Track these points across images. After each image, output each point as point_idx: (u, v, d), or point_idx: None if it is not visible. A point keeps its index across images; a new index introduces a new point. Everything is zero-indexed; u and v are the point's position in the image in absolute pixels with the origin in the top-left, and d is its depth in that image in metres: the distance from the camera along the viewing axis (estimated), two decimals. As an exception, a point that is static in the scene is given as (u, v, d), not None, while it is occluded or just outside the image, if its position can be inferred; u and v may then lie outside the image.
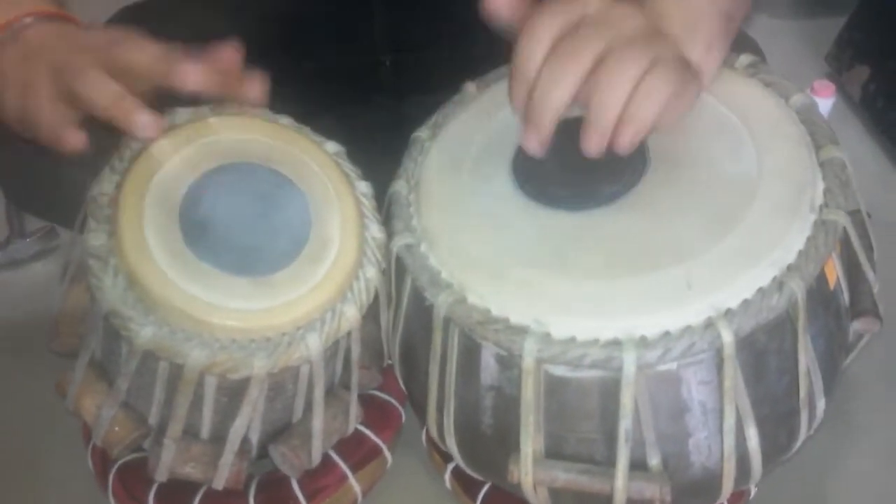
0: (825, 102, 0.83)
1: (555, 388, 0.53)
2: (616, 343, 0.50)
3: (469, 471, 0.64)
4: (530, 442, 0.53)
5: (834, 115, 0.88)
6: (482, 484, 0.67)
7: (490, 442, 0.57)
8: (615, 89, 0.53)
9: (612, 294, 0.52)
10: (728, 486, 0.55)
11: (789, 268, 0.52)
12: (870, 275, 0.58)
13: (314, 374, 0.60)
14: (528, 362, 0.51)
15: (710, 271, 0.52)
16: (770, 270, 0.51)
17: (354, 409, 0.67)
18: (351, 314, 0.58)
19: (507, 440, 0.55)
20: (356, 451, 0.69)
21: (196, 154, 0.60)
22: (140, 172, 0.58)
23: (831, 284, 0.56)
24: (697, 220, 0.54)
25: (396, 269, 0.60)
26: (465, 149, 0.63)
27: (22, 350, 0.85)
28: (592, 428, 0.53)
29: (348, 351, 0.63)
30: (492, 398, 0.56)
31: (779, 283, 0.51)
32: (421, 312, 0.58)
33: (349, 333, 0.60)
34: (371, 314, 0.62)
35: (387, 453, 0.71)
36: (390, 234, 0.61)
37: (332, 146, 0.64)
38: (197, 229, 0.57)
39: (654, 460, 0.53)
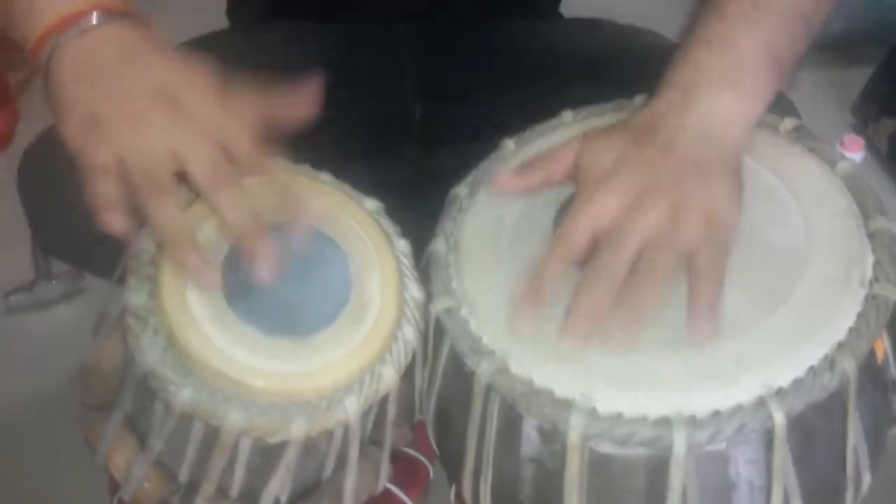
0: (854, 157, 0.82)
1: (599, 465, 0.52)
2: (665, 421, 0.49)
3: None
4: (573, 518, 0.52)
5: (861, 167, 0.87)
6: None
7: (530, 513, 0.56)
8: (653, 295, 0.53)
9: (660, 369, 0.51)
10: (773, 563, 0.54)
11: (840, 345, 0.51)
12: (918, 348, 0.57)
13: (349, 435, 0.59)
14: (573, 438, 0.50)
15: (760, 348, 0.51)
16: (821, 348, 0.50)
17: (385, 468, 0.66)
18: (389, 376, 0.57)
19: (548, 513, 0.54)
20: (385, 509, 0.68)
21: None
22: None
23: (879, 359, 0.55)
24: (745, 293, 0.53)
25: (435, 332, 0.60)
26: (505, 209, 0.62)
27: (47, 392, 0.85)
28: (637, 504, 0.52)
29: (382, 410, 0.62)
30: (532, 470, 0.55)
31: (830, 362, 0.50)
32: (460, 377, 0.57)
33: (387, 395, 0.59)
34: (405, 371, 0.61)
35: (414, 511, 0.70)
36: (429, 296, 0.60)
37: (371, 203, 0.64)
38: (238, 290, 0.56)
39: (699, 538, 0.52)
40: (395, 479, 0.68)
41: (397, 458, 0.69)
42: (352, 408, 0.56)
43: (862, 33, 1.29)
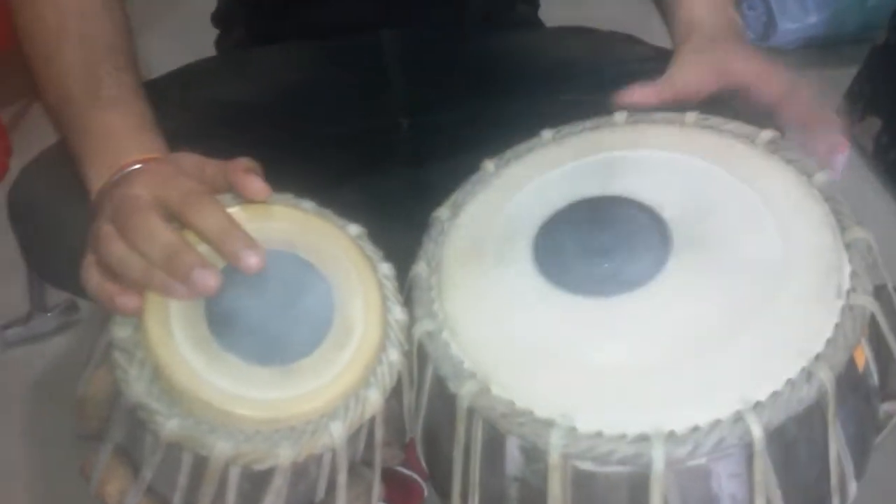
0: (839, 157, 0.82)
1: (582, 482, 0.52)
2: (644, 439, 0.49)
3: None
4: (559, 535, 0.53)
5: (846, 167, 0.87)
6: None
7: (517, 532, 0.57)
8: None
9: (638, 386, 0.51)
10: (760, 577, 0.54)
11: (818, 357, 0.51)
12: (899, 355, 0.57)
13: (337, 459, 0.59)
14: (554, 457, 0.51)
15: (737, 362, 0.51)
16: (798, 361, 0.51)
17: (377, 489, 0.66)
18: (374, 399, 0.58)
19: (534, 532, 0.55)
20: (379, 529, 0.68)
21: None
22: None
23: (860, 368, 0.55)
24: (721, 306, 0.53)
25: (418, 355, 0.60)
26: (485, 231, 0.62)
27: (44, 424, 0.86)
28: (621, 521, 0.53)
29: (371, 431, 0.62)
30: (517, 489, 0.55)
31: (807, 374, 0.50)
32: (443, 399, 0.58)
33: (373, 417, 0.60)
34: (393, 391, 0.62)
35: (410, 530, 0.70)
36: (412, 318, 0.60)
37: (354, 229, 0.64)
38: (222, 319, 0.57)
39: (684, 552, 0.52)
40: (388, 499, 0.68)
41: (391, 477, 0.69)
42: (337, 432, 0.56)
43: (846, 33, 1.30)
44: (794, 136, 0.64)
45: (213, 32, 0.96)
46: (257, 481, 0.57)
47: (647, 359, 0.52)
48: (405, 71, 0.84)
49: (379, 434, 0.62)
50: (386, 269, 0.64)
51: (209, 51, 0.94)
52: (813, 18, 1.30)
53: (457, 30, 0.86)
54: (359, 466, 0.65)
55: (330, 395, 0.56)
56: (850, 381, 0.54)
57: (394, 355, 0.59)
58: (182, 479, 0.58)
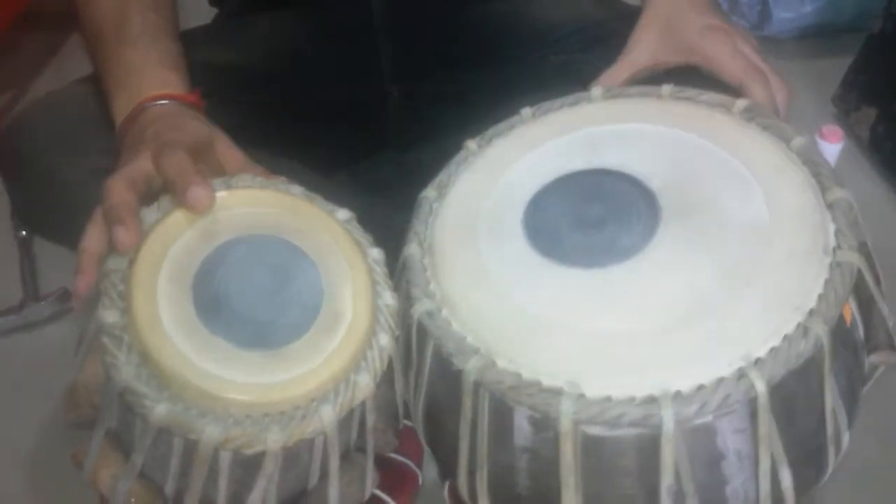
0: (834, 147, 0.84)
1: (591, 448, 0.53)
2: (652, 400, 0.51)
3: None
4: (572, 502, 0.53)
5: (842, 157, 0.89)
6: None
7: (528, 502, 0.57)
8: None
9: (642, 350, 0.52)
10: (763, 528, 0.56)
11: (811, 312, 0.53)
12: (883, 309, 0.59)
13: (329, 444, 0.59)
14: (565, 424, 0.52)
15: (736, 321, 0.52)
16: (794, 316, 0.52)
17: (371, 475, 0.66)
18: (364, 383, 0.58)
19: (545, 500, 0.56)
20: (373, 517, 0.68)
21: (208, 228, 0.60)
22: (153, 248, 0.58)
23: (848, 321, 0.57)
24: (716, 270, 0.55)
25: (418, 335, 0.60)
26: (475, 209, 0.63)
27: (37, 413, 0.85)
28: (631, 483, 0.54)
29: (363, 417, 0.63)
30: (527, 460, 0.56)
31: (804, 329, 0.52)
32: (447, 377, 0.58)
33: (364, 402, 0.60)
34: (385, 377, 0.62)
35: (404, 517, 0.71)
36: (408, 300, 0.61)
37: (343, 213, 0.64)
38: (210, 304, 0.57)
39: (693, 510, 0.54)
40: (383, 486, 0.68)
41: (385, 464, 0.69)
42: (327, 416, 0.56)
43: (841, 22, 1.31)
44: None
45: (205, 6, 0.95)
46: (249, 467, 0.58)
47: (647, 324, 0.54)
48: (395, 38, 0.84)
49: (371, 419, 0.62)
50: (375, 253, 0.64)
51: (205, 18, 0.94)
52: (808, 7, 1.30)
53: None
54: (352, 453, 0.65)
55: (319, 380, 0.57)
56: (840, 335, 0.56)
57: (384, 340, 0.60)
58: (174, 465, 0.58)
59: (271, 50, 0.69)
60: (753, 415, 0.52)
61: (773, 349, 0.51)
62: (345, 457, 0.64)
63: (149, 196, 0.60)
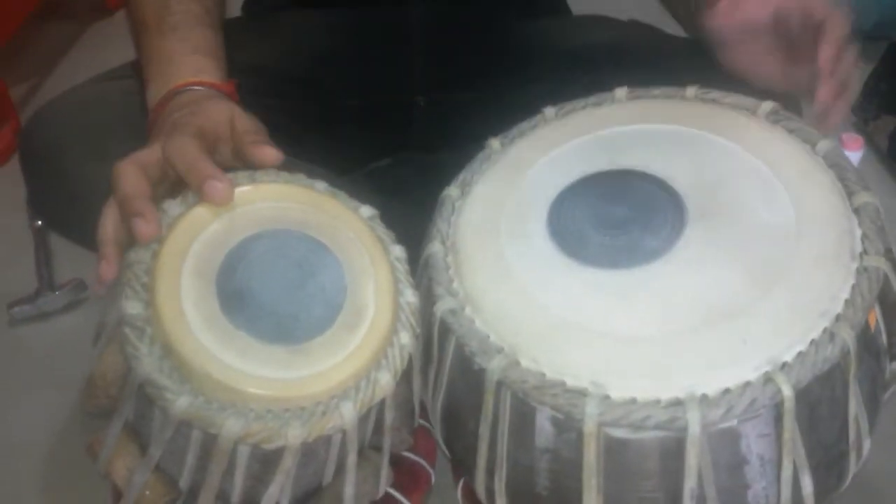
0: (854, 156, 0.84)
1: (614, 450, 0.53)
2: (678, 403, 0.50)
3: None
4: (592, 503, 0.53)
5: (861, 165, 0.89)
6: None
7: (547, 503, 0.57)
8: None
9: (667, 353, 0.52)
10: (783, 533, 0.56)
11: (838, 317, 0.52)
12: (908, 315, 0.59)
13: (347, 440, 0.59)
14: (589, 426, 0.51)
15: (763, 325, 0.52)
16: (821, 321, 0.52)
17: (386, 473, 0.66)
18: (385, 381, 0.58)
19: (565, 502, 0.55)
20: (386, 514, 0.68)
21: (233, 222, 0.59)
22: (177, 241, 0.58)
23: (872, 327, 0.57)
24: (742, 273, 0.55)
25: (440, 333, 0.60)
26: (498, 208, 0.63)
27: (51, 403, 0.85)
28: (653, 486, 0.53)
29: (380, 415, 0.62)
30: (548, 461, 0.56)
31: (830, 334, 0.52)
32: (468, 376, 0.58)
33: (383, 399, 0.60)
34: (404, 376, 0.62)
35: (416, 516, 0.70)
36: (430, 298, 0.61)
37: (366, 210, 0.64)
38: (233, 298, 0.57)
39: (714, 514, 0.54)
40: (396, 484, 0.68)
41: (398, 463, 0.69)
42: (348, 413, 0.56)
43: (861, 31, 1.30)
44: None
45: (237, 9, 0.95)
46: (266, 461, 0.57)
47: (672, 326, 0.53)
48: (429, 48, 0.84)
49: (388, 418, 0.62)
50: (398, 251, 0.64)
51: (235, 12, 0.93)
52: None
53: (484, 11, 0.87)
54: (367, 451, 0.65)
55: (341, 376, 0.56)
56: (865, 340, 0.56)
57: (405, 338, 0.59)
58: (191, 458, 0.58)
59: (300, 50, 0.69)
60: (778, 419, 0.52)
61: (799, 354, 0.51)
62: (360, 454, 0.64)
63: (167, 182, 0.60)
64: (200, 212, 0.59)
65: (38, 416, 0.85)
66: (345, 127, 0.73)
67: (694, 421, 0.50)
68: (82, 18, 1.49)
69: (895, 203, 1.03)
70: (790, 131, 0.62)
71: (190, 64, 0.66)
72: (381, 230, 0.64)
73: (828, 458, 0.56)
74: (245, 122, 0.61)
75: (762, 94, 0.64)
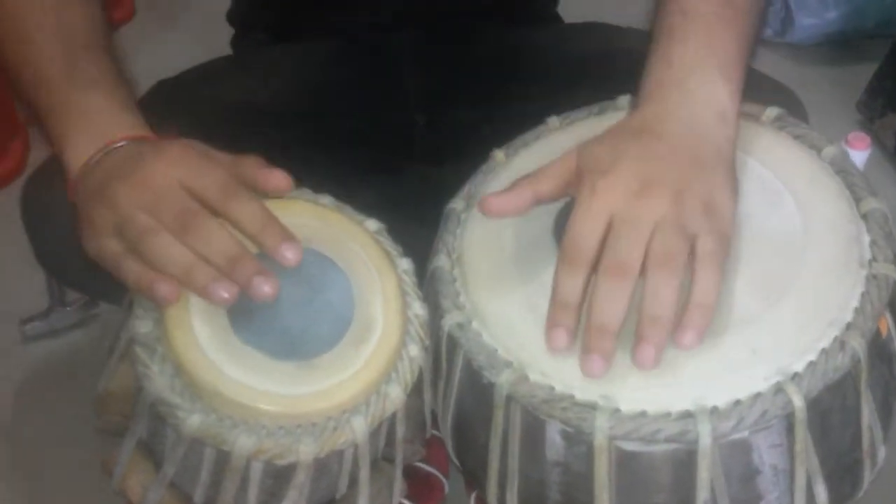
0: (860, 155, 0.83)
1: (626, 463, 0.53)
2: (689, 415, 0.50)
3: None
4: (605, 517, 0.53)
5: (867, 164, 0.88)
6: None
7: (559, 517, 0.57)
8: (667, 297, 0.52)
9: (677, 364, 0.52)
10: (798, 543, 0.55)
11: (848, 326, 0.52)
12: (918, 320, 0.59)
13: (359, 454, 0.59)
14: (599, 440, 0.51)
15: (772, 335, 0.52)
16: (830, 330, 0.52)
17: (399, 484, 0.66)
18: (395, 395, 0.58)
19: (577, 515, 0.55)
20: (401, 525, 0.68)
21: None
22: None
23: (883, 334, 0.56)
24: (752, 282, 0.55)
25: (447, 347, 0.60)
26: (503, 221, 0.62)
27: (64, 419, 0.86)
28: (665, 498, 0.53)
29: (392, 427, 0.62)
30: (559, 474, 0.55)
31: (840, 343, 0.51)
32: (477, 389, 0.58)
33: (394, 413, 0.60)
34: (414, 387, 0.62)
35: (431, 526, 0.71)
36: (438, 312, 0.61)
37: (372, 224, 0.64)
38: (243, 314, 0.57)
39: (727, 525, 0.53)
40: (410, 495, 0.68)
41: (411, 473, 0.69)
42: (359, 428, 0.56)
43: (866, 29, 1.30)
44: None
45: (229, 31, 0.95)
46: (279, 477, 0.58)
47: None
48: (421, 68, 0.84)
49: (400, 430, 0.62)
50: (405, 263, 0.64)
51: (225, 49, 0.94)
52: (832, 14, 1.28)
53: (472, 26, 0.86)
54: (380, 462, 0.65)
55: (351, 391, 0.56)
56: (876, 348, 0.55)
57: (414, 350, 0.59)
58: (204, 475, 0.59)
59: (292, 84, 0.68)
60: (790, 430, 0.51)
61: (810, 363, 0.51)
62: (373, 466, 0.64)
63: None
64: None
65: (52, 432, 0.86)
66: (345, 151, 0.72)
67: (705, 433, 0.49)
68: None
69: (902, 203, 1.04)
70: (796, 137, 0.62)
71: (123, 118, 0.61)
72: (388, 243, 0.64)
73: (841, 467, 0.55)
74: (224, 158, 0.59)
75: (767, 99, 0.64)
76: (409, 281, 0.63)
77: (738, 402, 0.50)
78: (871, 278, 0.54)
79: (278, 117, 0.75)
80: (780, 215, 0.57)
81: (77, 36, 0.64)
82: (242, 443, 0.54)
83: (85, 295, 0.92)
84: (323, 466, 0.59)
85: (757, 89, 0.64)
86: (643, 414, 0.51)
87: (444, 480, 0.72)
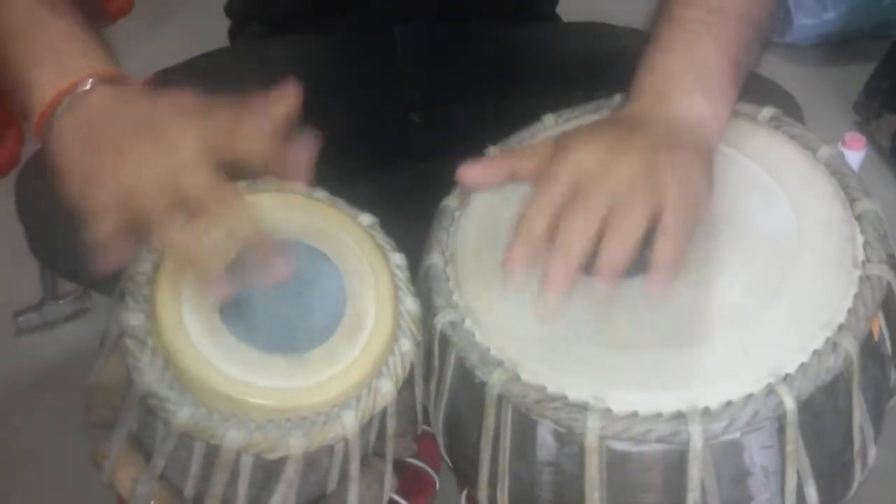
0: (856, 155, 0.83)
1: (617, 463, 0.53)
2: (680, 416, 0.50)
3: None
4: (595, 517, 0.53)
5: (864, 164, 0.88)
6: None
7: (549, 516, 0.57)
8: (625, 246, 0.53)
9: (669, 365, 0.52)
10: (788, 543, 0.55)
11: (841, 327, 0.52)
12: (911, 322, 0.59)
13: (349, 449, 0.59)
14: (591, 440, 0.51)
15: (764, 336, 0.52)
16: (823, 331, 0.52)
17: (389, 479, 0.66)
18: (386, 390, 0.58)
19: (568, 514, 0.55)
20: (392, 521, 0.68)
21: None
22: None
23: (876, 336, 0.56)
24: (744, 281, 0.54)
25: (440, 345, 0.60)
26: (497, 218, 0.62)
27: (56, 411, 0.86)
28: (656, 499, 0.53)
29: (383, 422, 0.62)
30: (550, 474, 0.55)
31: (833, 344, 0.51)
32: (469, 388, 0.58)
33: (385, 408, 0.60)
34: (406, 383, 0.62)
35: (421, 522, 0.71)
36: (431, 310, 0.60)
37: (366, 218, 0.64)
38: (234, 308, 0.57)
39: (717, 526, 0.53)
40: (401, 490, 0.68)
41: (402, 469, 0.69)
42: (349, 422, 0.56)
43: (863, 30, 1.31)
44: None
45: (226, 24, 0.95)
46: (269, 471, 0.58)
47: (674, 337, 0.53)
48: (418, 66, 0.84)
49: (391, 425, 0.62)
50: (398, 258, 0.63)
51: (222, 42, 0.94)
52: (830, 14, 1.28)
53: (470, 23, 0.86)
54: (371, 458, 0.65)
55: (342, 386, 0.56)
56: (868, 349, 0.55)
57: (406, 346, 0.59)
58: (194, 468, 0.59)
59: (290, 75, 0.68)
60: (781, 431, 0.51)
61: (802, 365, 0.51)
62: (363, 461, 0.64)
63: None
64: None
65: (44, 425, 0.86)
66: (340, 146, 0.72)
67: (696, 434, 0.49)
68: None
69: (897, 202, 1.04)
70: (791, 137, 0.62)
71: (99, 51, 0.59)
72: (381, 238, 0.64)
73: (832, 468, 0.55)
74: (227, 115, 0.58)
75: (763, 99, 0.63)
76: (402, 276, 0.63)
77: (729, 403, 0.50)
78: (865, 279, 0.54)
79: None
80: (775, 215, 0.57)
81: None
82: (232, 436, 0.54)
83: (77, 284, 0.92)
84: (313, 461, 0.59)
85: (753, 90, 0.64)
86: (634, 414, 0.51)
87: (435, 476, 0.72)
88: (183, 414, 0.54)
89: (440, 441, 0.65)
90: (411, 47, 0.84)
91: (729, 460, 0.52)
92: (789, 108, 0.69)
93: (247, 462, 0.57)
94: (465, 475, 0.63)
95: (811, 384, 0.50)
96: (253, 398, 0.55)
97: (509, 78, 0.81)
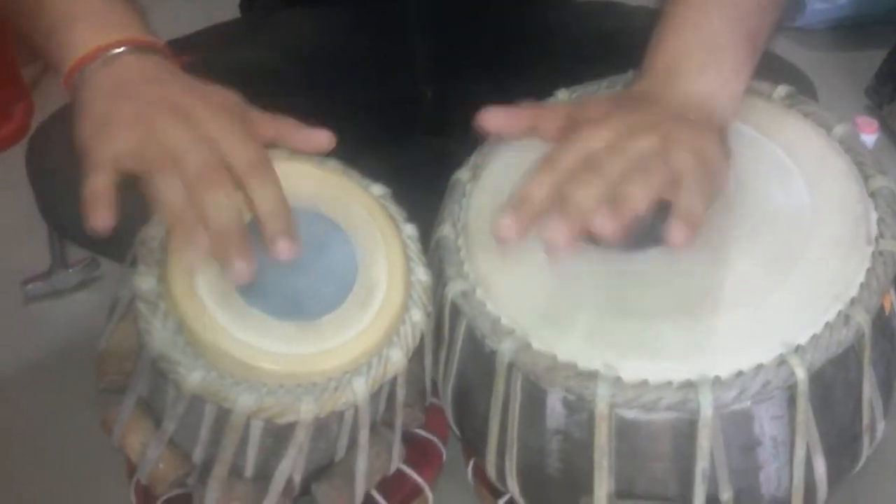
0: (868, 139, 0.83)
1: (626, 431, 0.53)
2: (690, 385, 0.50)
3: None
4: (604, 484, 0.53)
5: (875, 148, 0.88)
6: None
7: (558, 485, 0.57)
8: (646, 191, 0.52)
9: (680, 334, 0.52)
10: (796, 514, 0.56)
11: (853, 301, 0.52)
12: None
13: (359, 416, 0.60)
14: (601, 407, 0.51)
15: (776, 308, 0.52)
16: (835, 304, 0.52)
17: (398, 449, 0.66)
18: (397, 359, 0.58)
19: (576, 483, 0.55)
20: (398, 490, 0.69)
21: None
22: None
23: (887, 310, 0.56)
24: (758, 255, 0.55)
25: (450, 315, 0.60)
26: (509, 190, 0.62)
27: (65, 380, 0.86)
28: (664, 467, 0.54)
29: (392, 391, 0.63)
30: (558, 442, 0.56)
31: (845, 317, 0.51)
32: (479, 357, 0.58)
33: (395, 377, 0.60)
34: (415, 354, 0.62)
35: (428, 492, 0.71)
36: (442, 280, 0.61)
37: (378, 189, 0.64)
38: None
39: (726, 495, 0.54)
40: (408, 460, 0.69)
41: (410, 440, 0.70)
42: (360, 389, 0.56)
43: (876, 14, 1.30)
44: None
45: None
46: (279, 436, 0.58)
47: (686, 307, 0.53)
48: (430, 39, 0.83)
49: (400, 394, 0.62)
50: (409, 229, 0.64)
51: (234, 13, 0.93)
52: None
53: (485, 1, 0.86)
54: (380, 426, 0.66)
55: (353, 353, 0.57)
56: (880, 324, 0.55)
57: (417, 315, 0.60)
58: (204, 432, 0.59)
59: (300, 50, 0.68)
60: (791, 402, 0.52)
61: (813, 336, 0.51)
62: (373, 430, 0.64)
63: None
64: None
65: (53, 393, 0.86)
66: (352, 118, 0.72)
67: (706, 403, 0.50)
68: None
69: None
70: (805, 115, 0.62)
71: (139, 20, 0.60)
72: (393, 208, 0.64)
73: (841, 441, 0.56)
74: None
75: (778, 78, 0.63)
76: (414, 247, 0.63)
77: (740, 373, 0.50)
78: (878, 255, 0.54)
79: (285, 82, 0.75)
80: (790, 191, 0.57)
81: None
82: (243, 401, 0.54)
83: (89, 250, 0.91)
84: (323, 427, 0.60)
85: (767, 69, 0.64)
86: (645, 382, 0.51)
87: (442, 448, 0.72)
88: (194, 377, 0.54)
89: (449, 411, 0.65)
90: (424, 21, 0.84)
91: (739, 430, 0.52)
92: (804, 88, 0.69)
93: (257, 427, 0.57)
94: (474, 444, 0.63)
95: (822, 356, 0.51)
96: (264, 363, 0.55)
97: (522, 54, 0.81)
